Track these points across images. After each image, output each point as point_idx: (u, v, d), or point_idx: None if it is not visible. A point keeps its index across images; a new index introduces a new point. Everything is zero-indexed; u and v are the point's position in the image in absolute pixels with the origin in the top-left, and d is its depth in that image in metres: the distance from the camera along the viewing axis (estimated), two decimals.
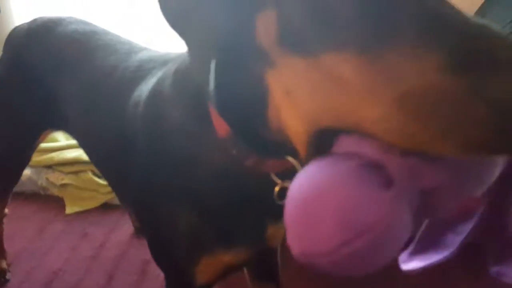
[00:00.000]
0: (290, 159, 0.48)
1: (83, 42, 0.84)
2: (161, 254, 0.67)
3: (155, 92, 0.59)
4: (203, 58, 0.42)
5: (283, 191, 0.53)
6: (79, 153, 1.52)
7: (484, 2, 1.38)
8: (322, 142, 0.36)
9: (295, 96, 0.37)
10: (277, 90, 0.39)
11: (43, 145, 1.44)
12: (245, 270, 0.87)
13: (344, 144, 0.34)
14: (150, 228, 0.67)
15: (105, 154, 0.77)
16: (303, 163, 0.38)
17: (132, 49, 0.78)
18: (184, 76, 0.55)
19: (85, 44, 0.84)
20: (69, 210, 1.49)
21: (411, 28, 0.30)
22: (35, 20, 0.94)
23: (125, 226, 1.41)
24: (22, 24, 0.96)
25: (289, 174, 0.49)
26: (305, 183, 0.34)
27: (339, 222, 0.31)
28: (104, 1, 1.72)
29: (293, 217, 0.34)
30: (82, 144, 0.89)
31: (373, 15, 0.31)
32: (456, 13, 0.30)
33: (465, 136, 0.26)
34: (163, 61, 0.66)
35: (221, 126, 0.49)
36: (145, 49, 0.79)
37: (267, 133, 0.45)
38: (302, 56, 0.35)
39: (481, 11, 1.36)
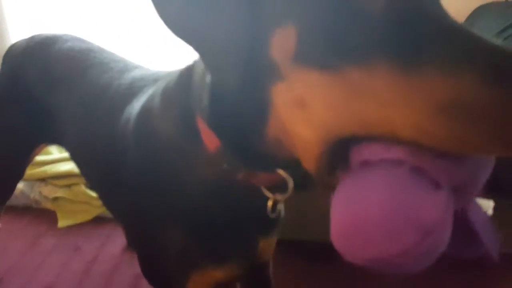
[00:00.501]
0: (280, 172, 0.49)
1: (79, 59, 0.86)
2: (150, 270, 0.67)
3: (145, 109, 0.61)
4: (218, 68, 0.41)
5: (275, 205, 0.54)
6: (72, 166, 1.52)
7: (473, 12, 1.41)
8: (338, 152, 0.37)
9: (312, 107, 0.37)
10: (285, 102, 0.39)
11: (37, 158, 1.44)
12: (237, 285, 0.88)
13: (372, 151, 0.35)
14: (140, 243, 0.68)
15: (97, 170, 0.78)
16: (315, 173, 0.40)
17: (125, 67, 0.80)
18: (172, 93, 0.56)
19: (81, 62, 0.85)
20: (61, 223, 1.49)
21: (440, 45, 0.32)
22: (32, 37, 0.96)
23: (117, 240, 1.41)
24: (20, 41, 0.98)
25: (279, 187, 0.51)
26: (362, 192, 0.35)
27: (408, 225, 0.32)
28: (98, 16, 1.74)
29: (354, 225, 0.35)
30: (76, 159, 0.90)
31: (399, 30, 0.33)
32: (475, 33, 0.33)
33: None
34: (154, 79, 0.68)
35: (210, 140, 0.49)
36: (138, 67, 0.81)
37: (262, 146, 0.46)
38: (323, 70, 0.35)
39: (469, 21, 1.39)
